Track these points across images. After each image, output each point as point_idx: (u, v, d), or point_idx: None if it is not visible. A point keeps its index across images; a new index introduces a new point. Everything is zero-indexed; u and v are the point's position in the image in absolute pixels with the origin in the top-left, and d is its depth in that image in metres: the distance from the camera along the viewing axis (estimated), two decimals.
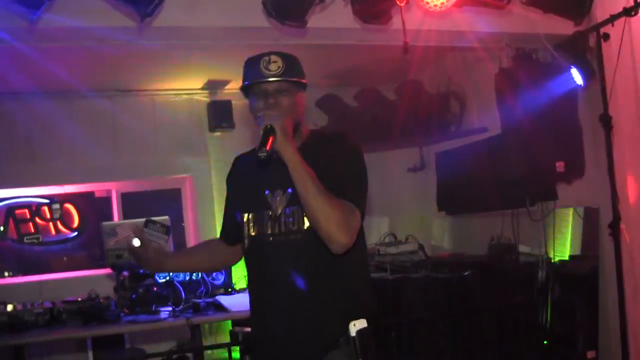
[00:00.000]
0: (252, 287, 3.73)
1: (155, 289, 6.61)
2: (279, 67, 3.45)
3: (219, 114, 9.43)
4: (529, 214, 7.69)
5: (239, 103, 9.51)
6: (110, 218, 9.63)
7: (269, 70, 3.45)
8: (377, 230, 9.91)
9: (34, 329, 6.18)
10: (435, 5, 5.49)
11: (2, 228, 9.28)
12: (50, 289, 8.56)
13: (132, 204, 9.93)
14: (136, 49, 6.71)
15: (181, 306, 6.43)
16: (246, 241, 3.66)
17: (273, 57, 3.48)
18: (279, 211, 3.53)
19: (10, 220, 9.40)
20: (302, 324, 3.46)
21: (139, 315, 6.40)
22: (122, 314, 6.43)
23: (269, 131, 3.24)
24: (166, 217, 6.54)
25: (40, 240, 9.48)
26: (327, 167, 3.37)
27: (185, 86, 9.50)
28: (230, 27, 6.00)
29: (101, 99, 9.06)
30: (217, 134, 9.65)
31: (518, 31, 6.81)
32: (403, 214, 10.33)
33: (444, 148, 9.72)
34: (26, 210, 9.48)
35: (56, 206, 9.55)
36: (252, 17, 5.69)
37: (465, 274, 7.70)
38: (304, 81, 3.60)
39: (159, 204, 10.01)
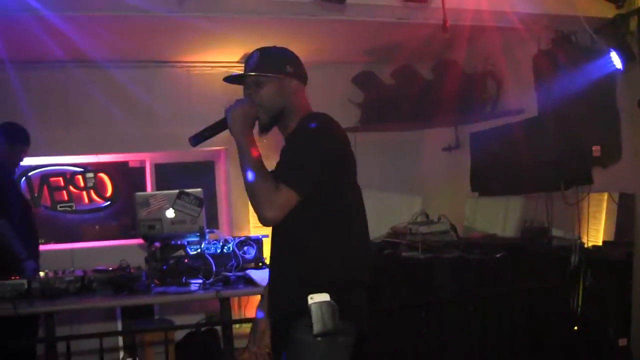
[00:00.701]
0: None
1: (186, 261, 6.61)
2: (253, 62, 3.87)
3: None
4: (564, 197, 7.63)
5: None
6: (144, 189, 9.66)
7: (247, 64, 3.90)
8: (409, 209, 9.89)
9: (64, 296, 6.20)
10: None
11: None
12: (81, 257, 8.61)
13: (166, 175, 9.97)
14: (173, 20, 6.71)
15: (212, 279, 6.42)
16: None
17: (252, 53, 3.91)
18: None
19: (45, 187, 9.45)
20: (274, 293, 3.88)
21: (169, 287, 6.39)
22: (153, 285, 6.44)
23: (222, 121, 3.83)
24: (199, 189, 6.56)
25: (74, 208, 9.53)
26: (286, 146, 3.82)
27: (221, 59, 9.48)
28: (270, 0, 5.98)
29: (137, 69, 9.08)
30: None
31: (558, 13, 6.75)
32: (436, 193, 10.29)
33: (479, 128, 9.66)
34: (60, 178, 9.52)
35: (90, 175, 9.60)
36: None
37: (497, 255, 7.67)
38: (269, 75, 3.86)
39: (193, 176, 10.02)
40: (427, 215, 9.31)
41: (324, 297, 3.60)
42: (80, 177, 9.56)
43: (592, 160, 7.14)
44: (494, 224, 9.16)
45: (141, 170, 9.88)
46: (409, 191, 10.36)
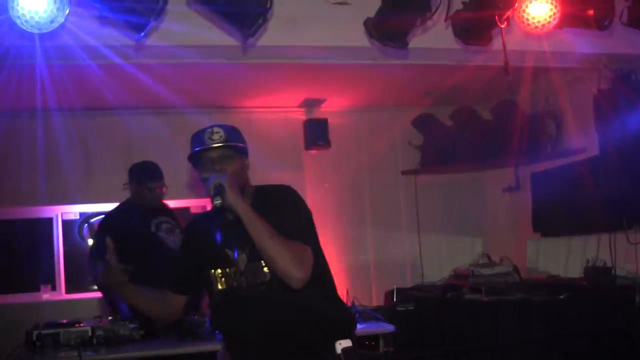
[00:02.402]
0: (229, 340, 4.19)
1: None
2: (221, 137, 3.89)
3: (315, 132, 9.52)
4: (627, 236, 7.59)
5: (335, 122, 9.60)
6: None
7: (213, 139, 3.88)
8: (471, 251, 9.89)
9: (128, 343, 6.25)
10: (537, 26, 5.48)
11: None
12: None
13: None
14: (235, 66, 6.82)
15: None
16: (216, 296, 4.06)
17: (215, 129, 3.93)
18: (242, 267, 3.91)
19: None
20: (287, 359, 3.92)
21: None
22: (217, 332, 6.47)
23: (219, 187, 3.68)
24: None
25: None
26: (277, 215, 3.75)
27: (281, 104, 9.58)
28: (330, 46, 6.05)
29: (199, 115, 9.15)
30: (313, 152, 9.73)
31: (618, 51, 6.76)
32: (498, 234, 10.27)
33: (539, 168, 9.64)
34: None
35: None
36: (353, 37, 5.75)
37: (561, 297, 7.62)
38: (243, 145, 4.02)
39: None
40: (489, 257, 9.28)
41: (348, 342, 3.87)
42: None
43: None
44: (557, 265, 9.10)
45: None
46: (470, 233, 10.35)
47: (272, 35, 5.54)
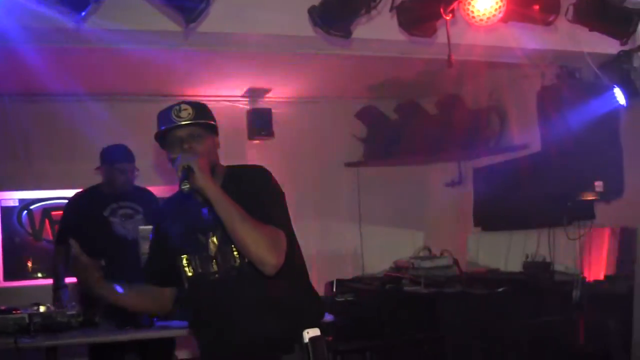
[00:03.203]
0: (197, 326, 3.98)
1: None
2: (189, 114, 3.66)
3: (259, 122, 9.49)
4: (566, 232, 7.66)
5: (279, 112, 9.56)
6: None
7: (180, 117, 3.66)
8: (412, 244, 9.92)
9: (67, 330, 6.16)
10: (482, 20, 5.48)
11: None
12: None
13: None
14: (177, 54, 6.76)
15: None
16: (185, 283, 3.88)
17: (183, 106, 3.71)
18: (213, 252, 3.74)
19: (46, 221, 9.41)
20: (257, 347, 3.71)
21: (172, 321, 6.39)
22: (156, 319, 6.42)
23: (188, 169, 3.45)
24: None
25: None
26: (249, 198, 3.57)
27: (225, 93, 9.52)
28: (275, 35, 6.01)
29: (140, 103, 9.08)
30: (256, 142, 9.69)
31: (563, 48, 6.78)
32: (439, 228, 10.32)
33: (482, 164, 9.69)
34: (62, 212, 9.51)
35: None
36: (297, 26, 5.70)
37: (500, 290, 7.67)
38: (213, 123, 3.80)
39: None
40: (429, 250, 9.33)
41: (316, 331, 3.73)
42: None
43: (594, 195, 7.17)
44: (496, 259, 9.17)
45: None
46: (412, 226, 10.39)
47: (216, 22, 5.48)
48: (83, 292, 6.46)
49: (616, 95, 6.61)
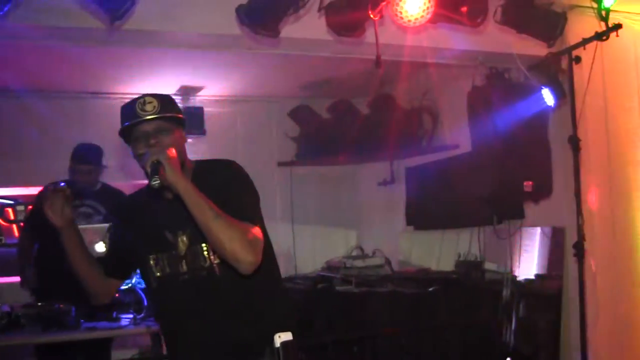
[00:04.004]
0: (165, 326, 3.87)
1: (117, 295, 6.53)
2: (154, 107, 3.49)
3: (191, 120, 9.40)
4: (496, 231, 7.71)
5: (211, 110, 9.51)
6: None
7: (145, 111, 3.48)
8: (344, 243, 9.93)
9: None
10: (409, 21, 5.48)
11: None
12: (10, 292, 8.46)
13: None
14: (107, 51, 6.69)
15: (143, 314, 6.36)
16: (153, 283, 3.72)
17: (148, 99, 3.53)
18: (183, 251, 3.60)
19: None
20: (226, 351, 3.60)
21: (99, 322, 6.34)
22: (82, 321, 6.36)
23: (157, 164, 3.28)
24: None
25: (3, 242, 9.34)
26: (221, 194, 3.42)
27: (157, 91, 9.39)
28: (203, 34, 5.98)
29: (69, 100, 8.99)
30: (189, 140, 9.60)
31: (492, 50, 6.85)
32: (372, 227, 10.35)
33: (414, 163, 9.73)
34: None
35: (21, 208, 9.38)
36: (225, 25, 5.66)
37: (431, 289, 7.70)
38: (181, 116, 3.66)
39: None
40: (362, 249, 9.34)
41: (288, 335, 3.57)
42: (10, 210, 9.39)
43: (523, 195, 7.22)
44: (428, 258, 9.22)
45: None
46: (345, 225, 10.40)
47: (143, 20, 5.43)
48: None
49: (544, 96, 6.66)
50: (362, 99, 9.63)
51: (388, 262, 8.81)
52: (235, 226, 3.29)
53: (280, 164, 10.15)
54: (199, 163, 3.75)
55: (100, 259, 3.94)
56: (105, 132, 9.07)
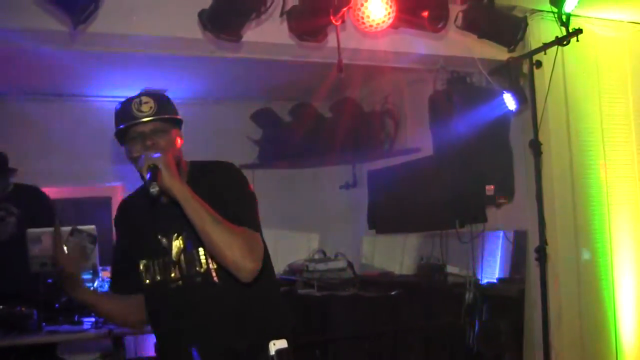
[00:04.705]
0: (158, 332, 3.68)
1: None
2: (151, 108, 3.41)
3: None
4: (458, 235, 7.74)
5: None
6: None
7: (142, 111, 3.40)
8: (306, 246, 9.92)
9: None
10: (371, 26, 5.47)
11: None
12: None
13: (61, 211, 9.77)
14: (70, 53, 6.64)
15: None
16: (145, 290, 3.61)
17: (144, 99, 3.45)
18: (177, 256, 3.50)
19: None
20: (219, 357, 3.48)
21: (61, 326, 6.30)
22: (44, 324, 6.33)
23: (154, 169, 3.17)
24: (92, 226, 6.45)
25: None
26: (219, 197, 3.35)
27: (121, 93, 9.37)
28: (166, 37, 5.95)
29: (32, 103, 8.93)
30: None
31: (453, 54, 6.88)
32: (334, 230, 10.34)
33: (376, 166, 9.75)
34: None
35: None
36: (187, 29, 5.64)
37: (393, 293, 7.71)
38: (178, 117, 3.59)
39: (89, 212, 9.86)
40: (324, 253, 9.33)
41: (283, 343, 3.49)
42: None
43: (485, 199, 7.24)
44: (391, 262, 9.24)
45: None
46: (307, 228, 10.38)
47: (106, 23, 5.39)
48: None
49: (506, 100, 6.68)
50: (324, 103, 9.62)
51: (350, 265, 8.81)
52: (235, 232, 3.19)
53: (242, 167, 10.01)
54: (195, 164, 3.66)
55: (114, 279, 3.83)
56: (68, 133, 9.11)
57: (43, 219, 6.64)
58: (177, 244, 3.49)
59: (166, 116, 3.46)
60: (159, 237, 3.54)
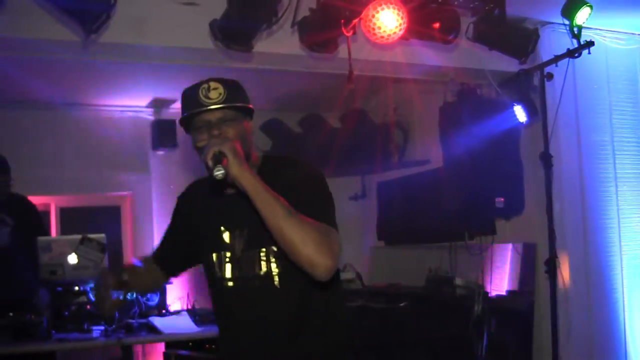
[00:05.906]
0: (219, 332, 3.52)
1: (88, 307, 6.52)
2: (220, 94, 3.14)
3: (163, 133, 9.35)
4: (467, 247, 7.72)
5: None
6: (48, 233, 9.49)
7: (210, 98, 3.13)
8: None
9: None
10: (382, 37, 5.48)
11: None
12: None
13: (71, 219, 9.79)
14: (81, 63, 6.66)
15: (114, 326, 6.33)
16: (211, 285, 3.45)
17: (213, 84, 3.17)
18: (238, 254, 3.30)
19: None
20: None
21: (70, 334, 6.30)
22: (54, 331, 6.33)
23: (219, 156, 2.91)
24: (102, 235, 6.49)
25: None
26: (293, 193, 3.06)
27: (130, 103, 9.42)
28: (176, 47, 5.95)
29: (44, 111, 8.94)
30: (160, 152, 9.58)
31: (463, 66, 6.86)
32: (343, 242, 10.30)
33: (386, 178, 9.74)
34: None
35: None
36: (198, 39, 5.65)
37: (401, 304, 7.69)
38: (250, 106, 3.30)
39: (98, 221, 9.86)
40: None
41: None
42: None
43: (495, 211, 7.22)
44: (399, 273, 9.21)
45: (45, 214, 9.66)
46: None
47: (117, 33, 5.39)
48: None
49: (516, 112, 6.68)
50: (334, 113, 9.62)
51: (359, 276, 8.78)
52: (311, 225, 2.93)
53: None
54: (267, 158, 3.43)
55: (158, 255, 3.72)
56: (78, 142, 9.13)
57: (32, 229, 6.69)
58: (239, 241, 3.29)
59: (237, 104, 3.22)
60: (222, 232, 3.34)
